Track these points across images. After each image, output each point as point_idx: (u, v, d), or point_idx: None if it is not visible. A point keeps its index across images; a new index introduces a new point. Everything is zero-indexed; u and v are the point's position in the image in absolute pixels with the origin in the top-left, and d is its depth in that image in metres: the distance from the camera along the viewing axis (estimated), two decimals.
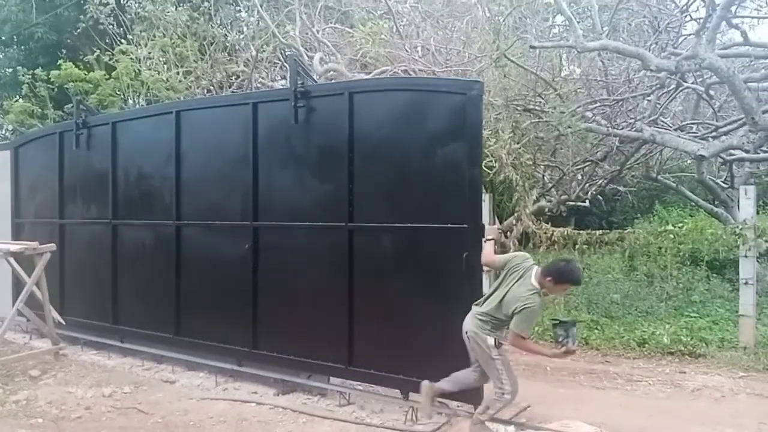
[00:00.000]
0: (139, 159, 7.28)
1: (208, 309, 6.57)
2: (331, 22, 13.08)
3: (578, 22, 9.91)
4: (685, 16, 10.02)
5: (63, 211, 8.09)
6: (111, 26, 13.92)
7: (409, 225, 5.21)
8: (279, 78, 13.01)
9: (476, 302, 4.75)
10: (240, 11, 14.86)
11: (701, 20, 7.81)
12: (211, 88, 12.87)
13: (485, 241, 4.88)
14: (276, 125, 6.03)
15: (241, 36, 13.75)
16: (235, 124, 6.32)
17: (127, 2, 14.34)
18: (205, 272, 6.63)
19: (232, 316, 6.36)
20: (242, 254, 6.17)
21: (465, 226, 4.90)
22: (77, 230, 7.98)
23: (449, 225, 4.97)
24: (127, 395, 6.14)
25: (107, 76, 13.34)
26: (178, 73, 12.85)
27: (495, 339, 4.52)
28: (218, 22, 13.72)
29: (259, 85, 12.35)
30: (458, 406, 5.25)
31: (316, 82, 6.87)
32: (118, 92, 13.25)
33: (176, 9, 13.50)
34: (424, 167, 5.14)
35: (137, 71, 13.05)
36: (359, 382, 5.74)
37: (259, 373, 6.29)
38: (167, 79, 12.67)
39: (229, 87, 12.90)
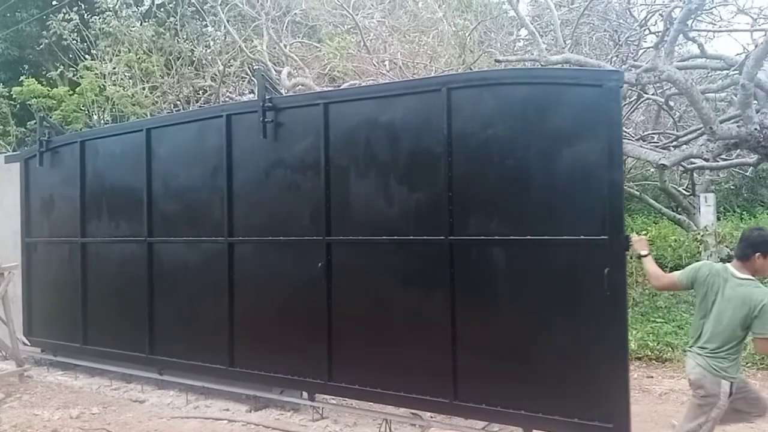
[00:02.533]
0: (179, 170, 6.33)
1: (267, 337, 5.70)
2: (298, 37, 13.33)
3: (541, 37, 10.42)
4: (644, 30, 10.43)
5: (85, 229, 7.12)
6: (75, 42, 13.99)
7: (528, 237, 4.44)
8: (247, 92, 13.07)
9: (691, 343, 4.01)
10: (206, 26, 14.86)
11: (660, 34, 8.06)
12: (178, 103, 12.97)
13: (640, 257, 4.25)
14: (355, 126, 5.23)
15: (208, 51, 13.86)
16: (303, 128, 5.53)
17: (91, 18, 14.38)
18: (264, 295, 5.77)
19: (300, 345, 5.47)
20: (313, 274, 5.33)
21: (604, 237, 4.17)
22: (104, 250, 7.00)
23: (582, 237, 4.25)
24: (96, 416, 6.03)
25: (71, 92, 13.21)
26: (144, 89, 12.96)
27: (731, 385, 3.76)
28: (184, 37, 13.85)
29: (227, 99, 12.35)
30: (431, 417, 5.27)
31: (282, 95, 6.73)
32: (83, 108, 13.15)
33: (141, 24, 13.65)
34: (547, 171, 4.41)
35: (102, 87, 13.07)
36: (466, 419, 4.95)
37: (231, 390, 6.22)
38: (133, 95, 12.71)
39: (197, 102, 12.99)
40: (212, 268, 6.14)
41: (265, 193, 5.77)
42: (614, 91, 4.20)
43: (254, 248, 5.90)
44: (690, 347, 4.04)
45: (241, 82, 13.12)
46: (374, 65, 11.14)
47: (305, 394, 5.80)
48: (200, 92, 13.19)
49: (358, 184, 5.23)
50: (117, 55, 13.00)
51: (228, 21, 12.20)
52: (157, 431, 5.59)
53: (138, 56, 12.93)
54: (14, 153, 8.82)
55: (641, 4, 11.05)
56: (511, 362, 4.57)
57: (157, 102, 12.81)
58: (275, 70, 11.28)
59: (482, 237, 4.64)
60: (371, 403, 5.41)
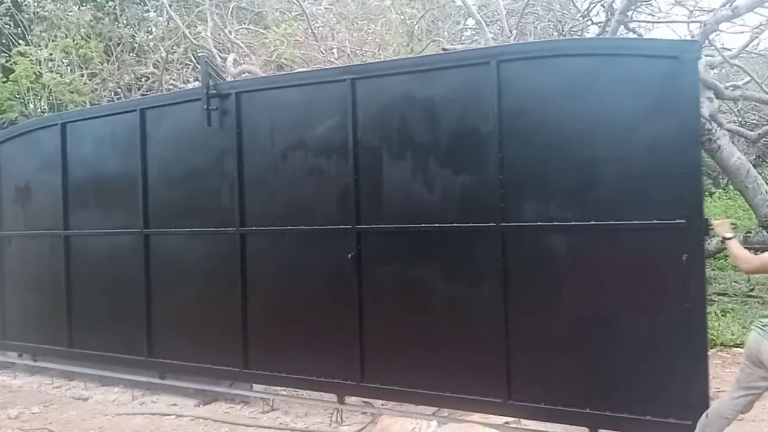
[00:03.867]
0: (180, 154, 5.69)
1: (287, 336, 5.19)
2: (244, 23, 12.75)
3: (488, 26, 10.41)
4: (587, 21, 10.35)
5: (69, 221, 6.36)
6: (7, 26, 13.06)
7: (593, 223, 4.04)
8: (191, 79, 12.36)
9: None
10: (148, 11, 14.05)
11: (601, 24, 8.22)
12: (119, 90, 12.25)
13: (725, 240, 3.83)
14: (389, 103, 4.69)
15: (150, 37, 13.14)
16: (325, 106, 4.94)
17: (24, 1, 13.45)
18: (282, 290, 5.21)
19: (326, 344, 5.00)
20: (342, 266, 4.86)
21: (681, 221, 3.83)
22: (91, 243, 6.26)
23: (656, 221, 3.89)
24: (36, 415, 5.72)
25: (4, 79, 12.42)
26: (82, 76, 12.18)
27: None
28: (124, 22, 13.08)
29: (170, 87, 11.74)
30: (382, 405, 5.08)
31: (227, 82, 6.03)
32: (17, 96, 12.38)
33: (79, 8, 12.78)
34: (615, 151, 4.04)
35: (38, 74, 12.24)
36: (523, 419, 4.58)
37: (178, 384, 5.92)
38: (71, 82, 11.96)
39: (138, 89, 12.34)
40: (221, 261, 5.54)
41: (282, 178, 5.16)
42: (691, 64, 3.83)
43: (271, 239, 5.27)
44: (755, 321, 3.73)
45: (185, 69, 12.47)
46: (322, 53, 10.91)
47: (254, 386, 5.62)
48: (142, 79, 12.55)
49: (392, 167, 4.70)
50: (53, 41, 12.17)
51: (170, 6, 11.60)
52: (101, 429, 5.32)
53: (75, 42, 12.13)
54: None
55: None
56: (574, 358, 4.16)
57: (96, 89, 12.08)
58: (220, 57, 10.84)
59: (539, 223, 4.19)
60: (329, 394, 5.14)
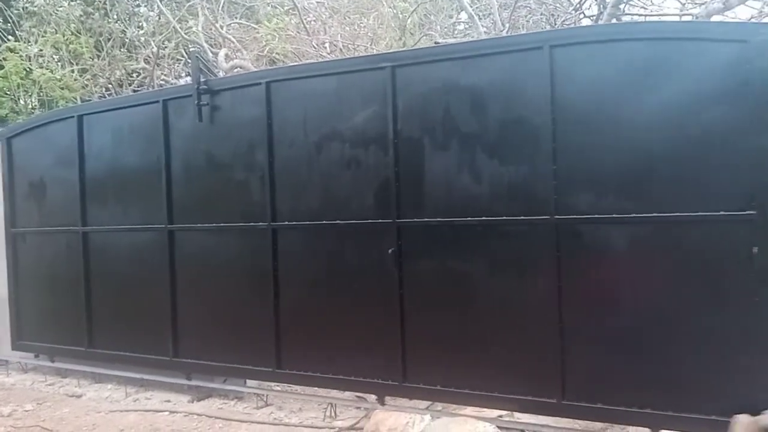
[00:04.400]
0: (207, 146, 5.40)
1: (323, 334, 4.93)
2: (235, 18, 12.60)
3: (480, 20, 10.37)
4: (580, 14, 10.17)
5: (87, 216, 6.11)
6: None
7: (655, 215, 3.80)
8: (183, 75, 12.17)
9: None
10: (139, 6, 13.79)
11: (594, 17, 8.28)
12: (110, 86, 12.05)
13: None
14: (431, 91, 4.42)
15: (141, 32, 12.84)
16: (363, 95, 4.69)
17: None
18: (317, 287, 4.97)
19: (365, 343, 4.75)
20: (381, 262, 4.65)
21: (751, 213, 3.61)
22: (112, 240, 5.97)
23: (723, 212, 3.67)
24: (29, 413, 5.68)
25: None
26: (73, 71, 11.91)
27: None
28: (115, 17, 12.87)
29: (161, 82, 11.56)
30: (376, 399, 4.91)
31: (218, 78, 5.89)
32: (8, 92, 12.14)
33: (69, 4, 12.56)
34: (677, 139, 3.79)
35: (28, 70, 12.01)
36: (580, 420, 4.36)
37: (172, 381, 5.87)
38: (61, 78, 11.72)
39: (129, 85, 12.13)
40: (251, 257, 5.29)
41: (315, 170, 4.89)
42: (761, 47, 3.53)
43: (304, 234, 5.04)
44: None
45: (176, 64, 12.33)
46: (314, 47, 10.77)
47: (248, 382, 5.59)
48: (133, 75, 12.37)
49: (435, 159, 4.43)
50: (43, 36, 11.97)
51: (161, 1, 11.41)
52: (94, 426, 5.27)
53: (65, 37, 11.94)
54: None
55: None
56: (633, 356, 3.90)
57: (87, 85, 11.90)
58: (212, 52, 10.71)
59: (596, 215, 3.92)
60: (327, 390, 5.09)
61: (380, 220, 4.65)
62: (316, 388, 5.18)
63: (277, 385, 5.54)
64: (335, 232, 4.88)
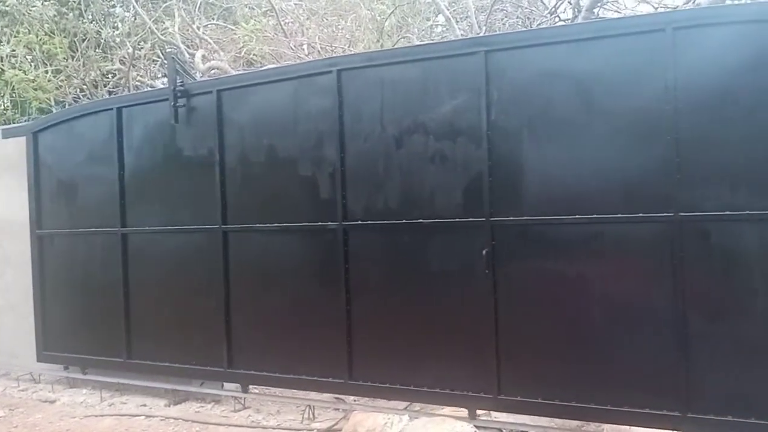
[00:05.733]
0: (267, 141, 4.93)
1: (401, 341, 4.48)
2: (212, 19, 12.32)
3: (457, 22, 10.24)
4: (555, 17, 10.13)
5: (127, 217, 5.57)
6: None
7: None
8: (160, 75, 11.86)
9: None
10: (114, 6, 13.31)
11: (569, 21, 8.26)
12: (84, 87, 11.60)
13: None
14: (529, 79, 4.02)
15: (116, 32, 12.44)
16: (449, 84, 4.24)
17: None
18: (393, 290, 4.50)
19: (451, 351, 4.33)
20: (469, 264, 4.23)
21: None
22: (155, 242, 5.44)
23: None
24: (1, 419, 5.48)
25: None
26: (46, 72, 11.49)
27: None
28: (89, 17, 12.43)
29: (137, 83, 11.20)
30: (354, 401, 4.83)
31: (195, 79, 5.64)
32: None
33: (42, 3, 12.02)
34: None
35: (0, 70, 11.56)
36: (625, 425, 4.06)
37: (148, 385, 5.64)
38: (34, 79, 11.35)
39: (105, 86, 11.77)
40: (319, 259, 4.81)
41: (393, 165, 4.40)
42: None
43: (380, 234, 4.56)
44: None
45: (152, 65, 12.04)
46: (291, 49, 10.58)
47: (226, 385, 5.34)
48: (109, 76, 12.02)
49: (535, 152, 3.98)
50: (15, 36, 11.59)
51: (137, 1, 11.19)
52: (68, 431, 5.12)
53: (39, 38, 11.57)
54: (16, 126, 7.03)
55: None
56: None
57: (61, 86, 11.49)
58: (188, 53, 10.49)
59: (726, 213, 3.52)
60: (304, 392, 4.99)
61: (470, 219, 4.22)
62: (294, 391, 5.04)
63: (255, 388, 5.30)
64: (417, 232, 4.42)
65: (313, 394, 4.96)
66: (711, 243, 3.63)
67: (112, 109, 5.56)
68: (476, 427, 4.25)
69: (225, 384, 5.32)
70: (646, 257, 3.78)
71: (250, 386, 5.22)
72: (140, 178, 5.49)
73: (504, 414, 4.32)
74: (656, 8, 9.07)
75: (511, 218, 4.06)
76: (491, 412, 4.35)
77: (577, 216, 3.90)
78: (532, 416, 4.29)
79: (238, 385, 5.20)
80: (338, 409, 4.97)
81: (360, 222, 4.52)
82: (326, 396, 5.00)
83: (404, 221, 4.38)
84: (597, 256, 3.90)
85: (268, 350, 4.95)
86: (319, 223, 4.65)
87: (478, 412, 4.37)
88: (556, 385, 4.03)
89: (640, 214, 3.74)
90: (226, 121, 5.06)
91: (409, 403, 4.68)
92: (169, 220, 5.32)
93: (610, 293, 3.88)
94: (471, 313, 4.23)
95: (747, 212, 3.52)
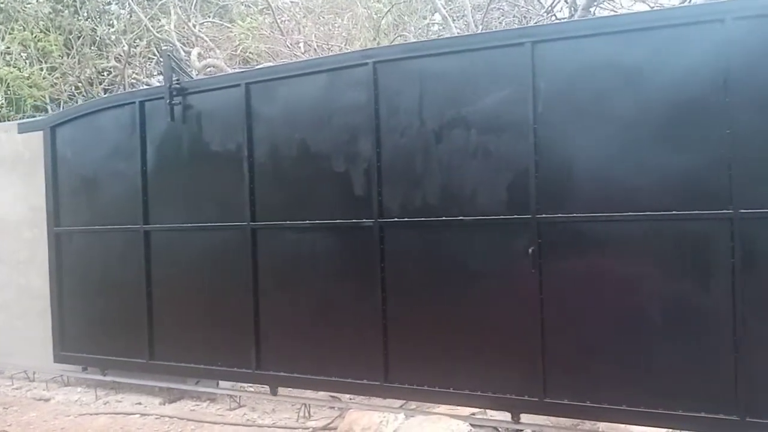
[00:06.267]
0: (299, 133, 4.73)
1: (439, 342, 4.32)
2: (208, 17, 12.23)
3: (453, 21, 10.21)
4: (551, 16, 10.12)
5: (150, 214, 5.38)
6: None
7: None
8: (156, 73, 11.80)
9: None
10: (109, 3, 13.20)
11: (565, 20, 8.06)
12: (79, 84, 11.55)
13: None
14: (576, 70, 3.85)
15: (112, 30, 12.41)
16: (493, 76, 4.08)
17: None
18: (431, 289, 4.32)
19: (497, 353, 4.16)
20: (513, 263, 4.08)
21: None
22: (180, 240, 5.25)
23: None
24: None
25: None
26: (41, 70, 11.42)
27: None
28: (85, 14, 12.31)
29: (133, 81, 11.15)
30: (350, 399, 4.81)
31: (191, 77, 5.53)
32: None
33: (37, 1, 12.01)
34: None
35: None
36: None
37: (143, 383, 5.57)
38: (29, 76, 11.28)
39: (100, 84, 11.67)
40: (352, 257, 4.64)
41: (432, 161, 4.20)
42: None
43: (418, 231, 4.36)
44: None
45: (148, 63, 11.93)
46: (288, 47, 10.54)
47: (221, 383, 5.29)
48: (104, 73, 11.92)
49: (584, 146, 3.81)
50: (10, 33, 11.47)
51: None
52: (63, 429, 5.05)
53: (34, 35, 11.45)
54: (32, 120, 6.83)
55: None
56: None
57: (56, 84, 11.42)
58: (184, 51, 10.39)
59: None
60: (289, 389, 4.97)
61: (515, 216, 4.04)
62: (289, 389, 5.01)
63: (251, 386, 5.27)
64: (457, 230, 4.24)
65: (308, 393, 4.90)
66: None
67: (134, 102, 5.34)
68: (472, 425, 4.25)
69: (220, 382, 5.26)
70: (706, 257, 3.61)
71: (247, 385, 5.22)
72: (164, 173, 5.29)
73: (499, 412, 4.25)
74: (652, 7, 8.93)
75: (559, 215, 3.87)
76: (487, 411, 4.38)
77: (629, 213, 3.71)
78: (529, 414, 4.20)
79: (233, 383, 5.22)
80: (333, 408, 4.91)
81: (397, 219, 4.34)
82: (322, 394, 4.95)
83: (444, 218, 4.20)
84: (650, 254, 3.72)
85: (299, 351, 4.77)
86: (354, 221, 4.47)
87: (475, 410, 4.36)
88: (604, 387, 3.86)
89: (697, 211, 3.57)
90: (255, 114, 4.87)
91: (405, 401, 4.64)
92: (195, 217, 5.12)
93: (664, 293, 3.72)
94: (515, 313, 4.05)
95: None
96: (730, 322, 3.54)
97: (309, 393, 4.88)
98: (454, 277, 4.24)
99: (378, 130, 4.37)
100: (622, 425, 4.06)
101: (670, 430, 3.79)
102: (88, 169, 5.67)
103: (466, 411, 4.36)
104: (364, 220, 4.42)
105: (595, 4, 8.61)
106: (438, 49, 4.27)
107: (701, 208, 3.58)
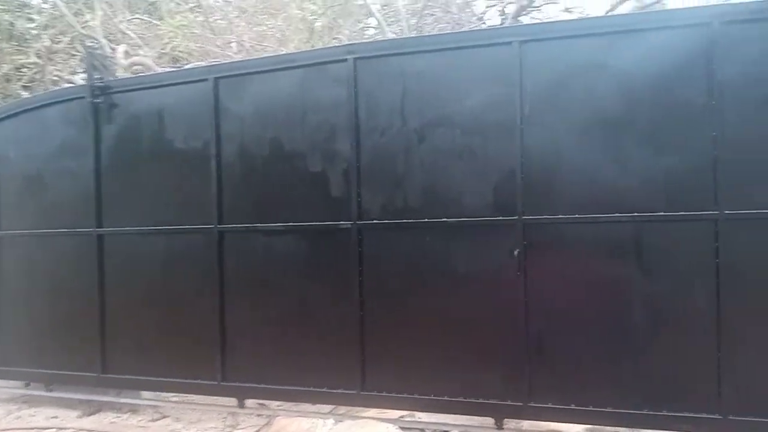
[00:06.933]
0: (272, 131, 4.49)
1: (420, 348, 4.18)
2: (137, 13, 11.84)
3: (388, 26, 10.32)
4: (482, 23, 10.46)
5: (103, 216, 4.97)
6: None
7: None
8: (79, 70, 11.11)
9: None
10: None
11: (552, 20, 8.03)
12: None
13: None
14: (564, 71, 3.81)
15: (33, 24, 11.76)
16: (479, 75, 3.99)
17: None
18: (414, 294, 4.19)
19: (481, 358, 4.06)
20: (498, 265, 3.95)
21: None
22: (138, 244, 4.89)
23: None
24: None
25: None
26: None
27: None
28: (2, 7, 11.70)
29: (55, 78, 10.70)
30: (278, 406, 4.71)
31: (116, 77, 5.41)
32: None
33: None
34: None
35: None
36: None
37: (62, 396, 5.26)
38: None
39: (18, 80, 11.11)
40: (327, 261, 4.43)
41: (414, 160, 4.07)
42: None
43: (398, 234, 4.21)
44: None
45: (71, 59, 11.39)
46: (219, 47, 10.32)
47: (143, 393, 5.10)
48: (23, 69, 11.29)
49: (570, 148, 3.77)
50: None
51: None
52: None
53: None
54: None
55: None
56: None
57: None
58: (110, 48, 9.94)
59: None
60: (216, 398, 4.78)
61: (501, 217, 3.96)
62: (216, 398, 4.87)
63: (175, 396, 5.09)
64: (440, 232, 4.10)
65: (234, 401, 4.72)
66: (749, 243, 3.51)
67: (82, 97, 4.96)
68: (401, 428, 4.21)
69: (143, 392, 5.05)
70: (688, 256, 3.60)
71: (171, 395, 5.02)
72: (121, 173, 4.92)
73: (426, 414, 4.25)
74: (579, 18, 9.30)
75: (545, 216, 3.80)
76: (415, 413, 4.36)
77: (615, 214, 3.69)
78: (454, 415, 4.22)
79: (155, 393, 4.99)
80: (261, 415, 4.75)
81: (377, 221, 4.17)
82: (250, 402, 4.76)
83: (427, 220, 4.06)
84: (635, 255, 3.72)
85: (270, 361, 4.52)
86: (330, 223, 4.27)
87: (403, 413, 4.36)
88: (591, 390, 3.81)
89: (681, 213, 3.56)
90: (224, 111, 4.59)
91: (334, 406, 4.52)
92: (156, 220, 4.79)
93: (650, 294, 3.71)
94: (499, 316, 3.96)
95: None
96: (714, 322, 3.55)
97: (235, 401, 4.73)
98: (436, 281, 4.11)
99: (357, 129, 4.19)
100: (553, 424, 4.09)
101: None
102: (33, 169, 5.24)
103: (395, 414, 4.34)
104: (341, 222, 4.23)
105: (524, 13, 8.81)
106: (422, 46, 4.14)
107: (686, 210, 3.59)
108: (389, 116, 4.15)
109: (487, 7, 10.83)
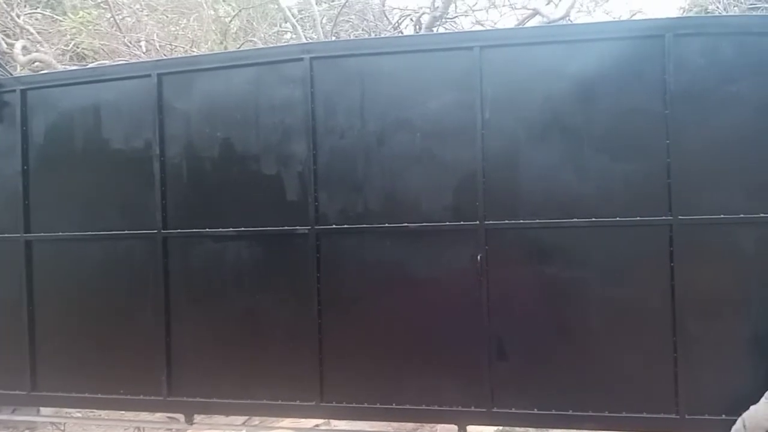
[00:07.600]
0: (222, 132, 4.27)
1: (383, 357, 4.07)
2: (36, 7, 11.41)
3: (304, 30, 10.39)
4: (399, 32, 10.71)
5: (31, 221, 4.60)
6: None
7: None
8: None
9: None
10: None
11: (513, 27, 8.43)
12: None
13: None
14: (524, 77, 3.82)
15: None
16: (440, 79, 3.95)
17: None
18: (376, 301, 4.09)
19: (441, 365, 3.99)
20: (459, 271, 3.91)
21: None
22: (70, 251, 4.55)
23: None
24: None
25: None
26: None
27: None
28: None
29: None
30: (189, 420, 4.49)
31: (10, 74, 5.13)
32: None
33: None
34: None
35: None
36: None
37: None
38: None
39: None
40: (283, 268, 4.26)
41: (374, 164, 3.98)
42: None
43: (358, 239, 4.05)
44: None
45: None
46: (127, 45, 10.14)
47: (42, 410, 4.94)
48: None
49: (531, 153, 3.80)
50: None
51: None
52: None
53: None
54: None
55: (395, 8, 11.54)
56: None
57: None
58: (6, 43, 9.57)
59: (722, 216, 3.58)
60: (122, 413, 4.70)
61: (462, 222, 3.94)
62: (122, 413, 4.70)
63: (78, 411, 5.00)
64: (401, 237, 4.03)
65: (143, 415, 4.55)
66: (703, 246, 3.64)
67: (15, 91, 4.54)
68: None
69: (41, 409, 4.79)
70: (643, 260, 3.70)
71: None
72: (52, 174, 4.52)
73: (343, 422, 4.30)
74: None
75: (507, 221, 3.79)
76: (330, 421, 4.50)
77: (574, 219, 3.74)
78: (370, 421, 4.24)
79: (55, 409, 4.74)
80: (171, 430, 4.68)
81: (335, 226, 4.03)
82: (158, 416, 4.66)
83: (386, 225, 3.96)
84: (595, 260, 3.78)
85: (220, 374, 4.27)
86: (286, 228, 4.09)
87: (319, 422, 4.58)
88: (554, 394, 3.84)
89: (638, 218, 3.65)
90: (169, 109, 4.32)
91: (248, 417, 4.46)
92: (92, 225, 4.42)
93: (609, 297, 3.78)
94: (461, 322, 3.93)
95: (742, 215, 3.58)
96: (669, 323, 3.63)
97: (144, 415, 4.54)
98: (397, 287, 4.02)
99: (314, 131, 4.04)
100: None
101: None
102: None
103: (310, 423, 4.41)
104: (298, 228, 4.06)
105: (437, 24, 8.90)
106: (382, 48, 4.05)
107: (642, 215, 3.66)
108: (347, 118, 4.02)
109: (402, 17, 10.97)
